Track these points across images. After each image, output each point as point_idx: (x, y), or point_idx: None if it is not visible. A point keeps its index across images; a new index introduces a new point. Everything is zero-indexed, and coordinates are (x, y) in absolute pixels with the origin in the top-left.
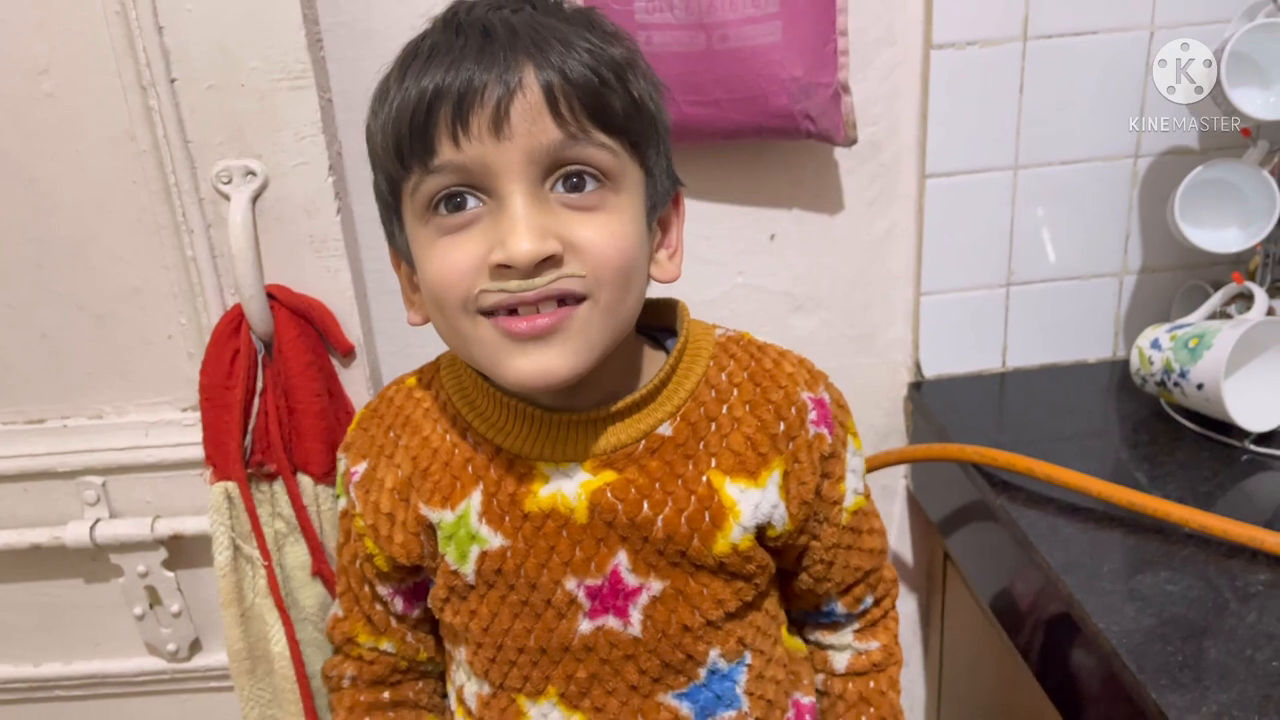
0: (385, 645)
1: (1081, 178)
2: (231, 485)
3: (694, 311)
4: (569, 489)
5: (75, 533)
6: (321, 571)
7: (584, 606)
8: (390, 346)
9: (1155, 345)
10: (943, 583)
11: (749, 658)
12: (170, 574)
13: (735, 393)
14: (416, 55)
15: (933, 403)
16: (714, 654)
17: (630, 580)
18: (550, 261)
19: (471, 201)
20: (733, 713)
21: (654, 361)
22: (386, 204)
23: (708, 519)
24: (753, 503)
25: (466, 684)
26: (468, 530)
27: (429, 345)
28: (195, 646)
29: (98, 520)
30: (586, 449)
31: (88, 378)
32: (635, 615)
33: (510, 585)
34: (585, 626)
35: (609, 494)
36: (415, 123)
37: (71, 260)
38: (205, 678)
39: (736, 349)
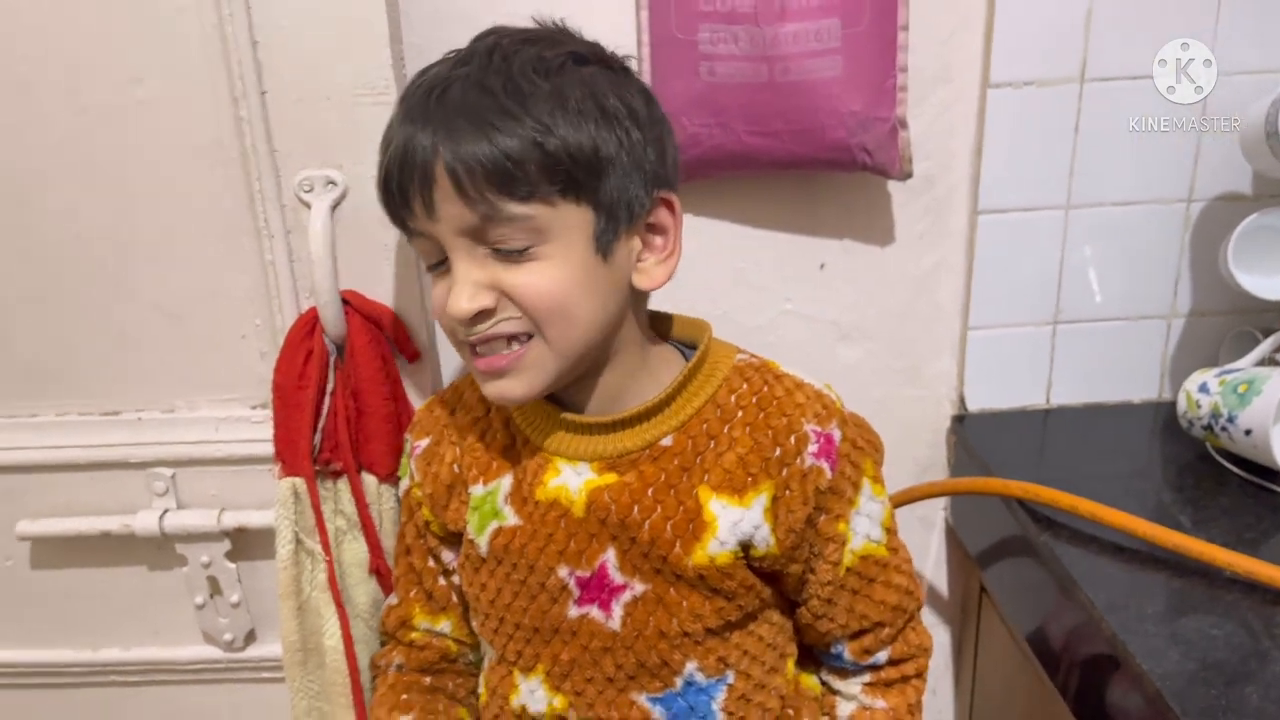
0: (442, 625)
1: (1133, 219)
2: (299, 481)
3: (738, 337)
4: (574, 484)
5: (145, 522)
6: (379, 568)
7: (573, 594)
8: (451, 355)
9: (1203, 389)
10: (977, 616)
11: (731, 678)
12: (232, 565)
13: (739, 414)
14: (395, 117)
15: (976, 437)
16: (690, 666)
17: (616, 577)
18: (484, 314)
19: (445, 263)
20: None
21: (664, 380)
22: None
23: (690, 529)
24: (732, 520)
25: (487, 653)
26: (493, 505)
27: None
28: (250, 637)
29: (166, 511)
30: (594, 450)
31: (162, 374)
32: (617, 610)
33: (514, 564)
34: (573, 613)
35: (606, 494)
36: (388, 191)
37: (152, 261)
38: (258, 668)
39: (752, 374)
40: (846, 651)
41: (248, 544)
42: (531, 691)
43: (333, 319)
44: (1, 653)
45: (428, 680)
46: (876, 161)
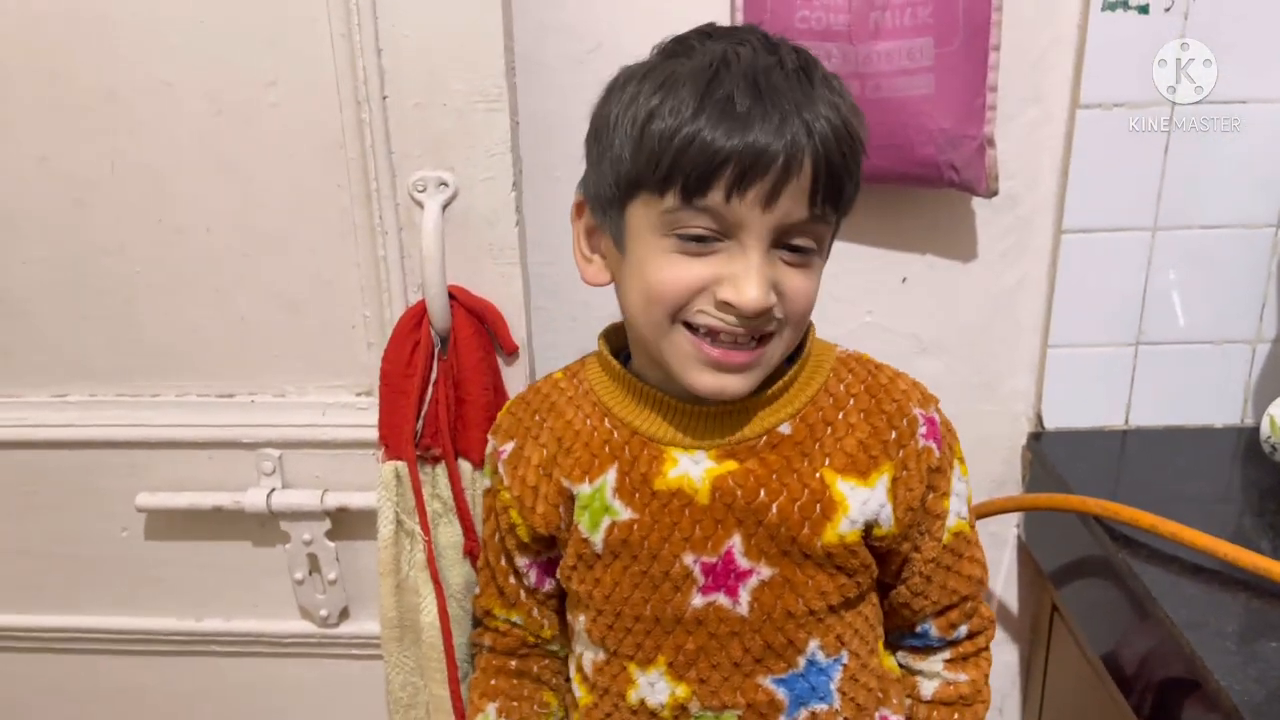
0: (515, 618)
1: (1221, 243)
2: (401, 465)
3: None
4: (695, 472)
5: (253, 499)
6: (472, 551)
7: (698, 582)
8: (547, 351)
9: None
10: (1048, 634)
11: (845, 657)
12: (331, 544)
13: (852, 401)
14: (709, 98)
15: (1053, 454)
16: (813, 644)
17: (742, 562)
18: (766, 310)
19: (712, 240)
20: (824, 707)
21: (778, 370)
22: (615, 192)
23: (818, 510)
24: (861, 499)
25: (585, 653)
26: (602, 502)
27: (584, 345)
28: (344, 614)
29: (273, 489)
30: (713, 438)
31: (275, 359)
32: (744, 596)
33: (634, 556)
34: (698, 601)
35: (730, 480)
36: (703, 169)
37: (274, 252)
38: (349, 644)
39: (855, 364)
40: (934, 629)
41: (347, 524)
42: (651, 684)
43: (440, 312)
44: (112, 619)
45: (514, 664)
46: (963, 178)
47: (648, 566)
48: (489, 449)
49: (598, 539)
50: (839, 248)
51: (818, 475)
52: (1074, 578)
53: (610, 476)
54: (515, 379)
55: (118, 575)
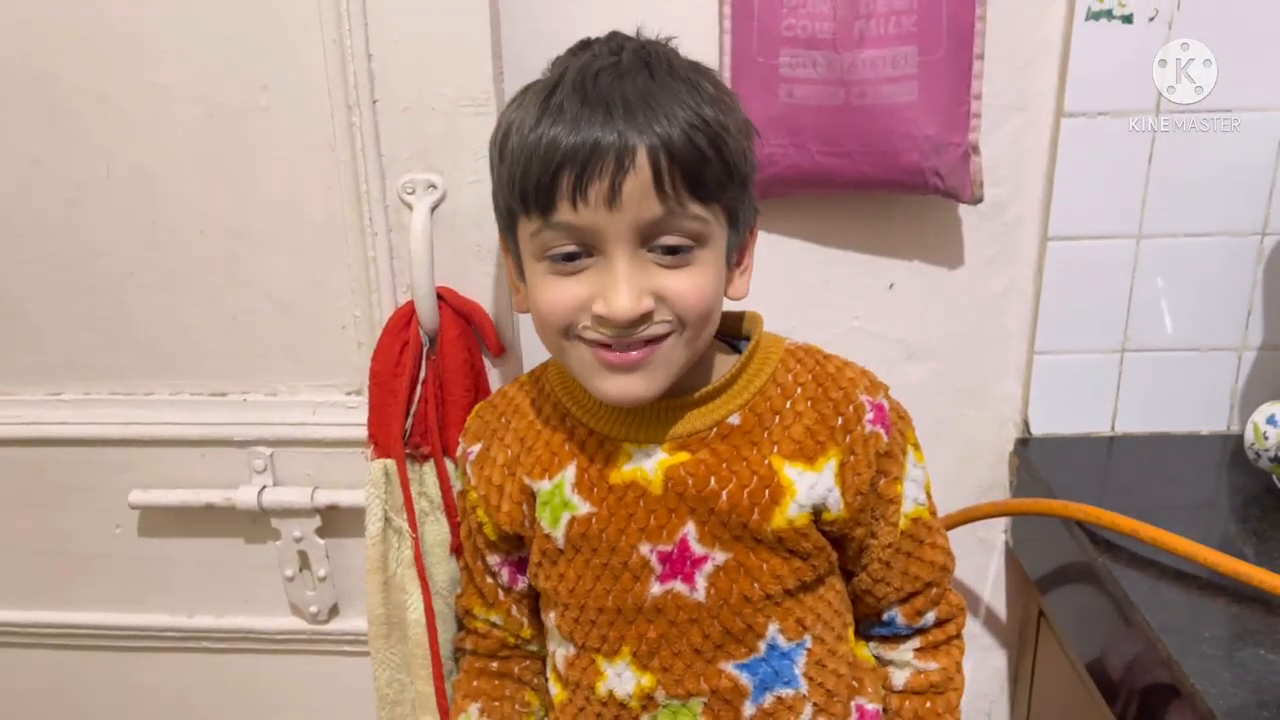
0: (494, 617)
1: (1206, 251)
2: (390, 463)
3: None
4: (648, 465)
5: (245, 496)
6: (458, 548)
7: (656, 570)
8: (534, 353)
9: (1271, 421)
10: (1035, 640)
11: (809, 641)
12: (321, 541)
13: (799, 390)
14: (545, 109)
15: (1039, 460)
16: (773, 629)
17: (697, 549)
18: (643, 316)
19: (582, 257)
20: (791, 691)
21: (726, 363)
22: (504, 220)
23: (767, 495)
24: (809, 484)
25: (558, 649)
26: (561, 498)
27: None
28: (334, 611)
29: (264, 487)
30: (665, 432)
31: (267, 358)
32: (700, 582)
33: (594, 549)
34: (656, 589)
35: (681, 470)
36: (541, 179)
37: (265, 253)
38: (339, 641)
39: (803, 355)
40: (900, 616)
41: (337, 521)
42: (618, 675)
43: (428, 312)
44: (104, 615)
45: (495, 665)
46: (948, 185)
47: (607, 558)
48: (459, 451)
49: (559, 534)
50: (823, 253)
51: (766, 462)
52: (1059, 583)
53: (569, 473)
54: (499, 380)
55: (110, 572)
